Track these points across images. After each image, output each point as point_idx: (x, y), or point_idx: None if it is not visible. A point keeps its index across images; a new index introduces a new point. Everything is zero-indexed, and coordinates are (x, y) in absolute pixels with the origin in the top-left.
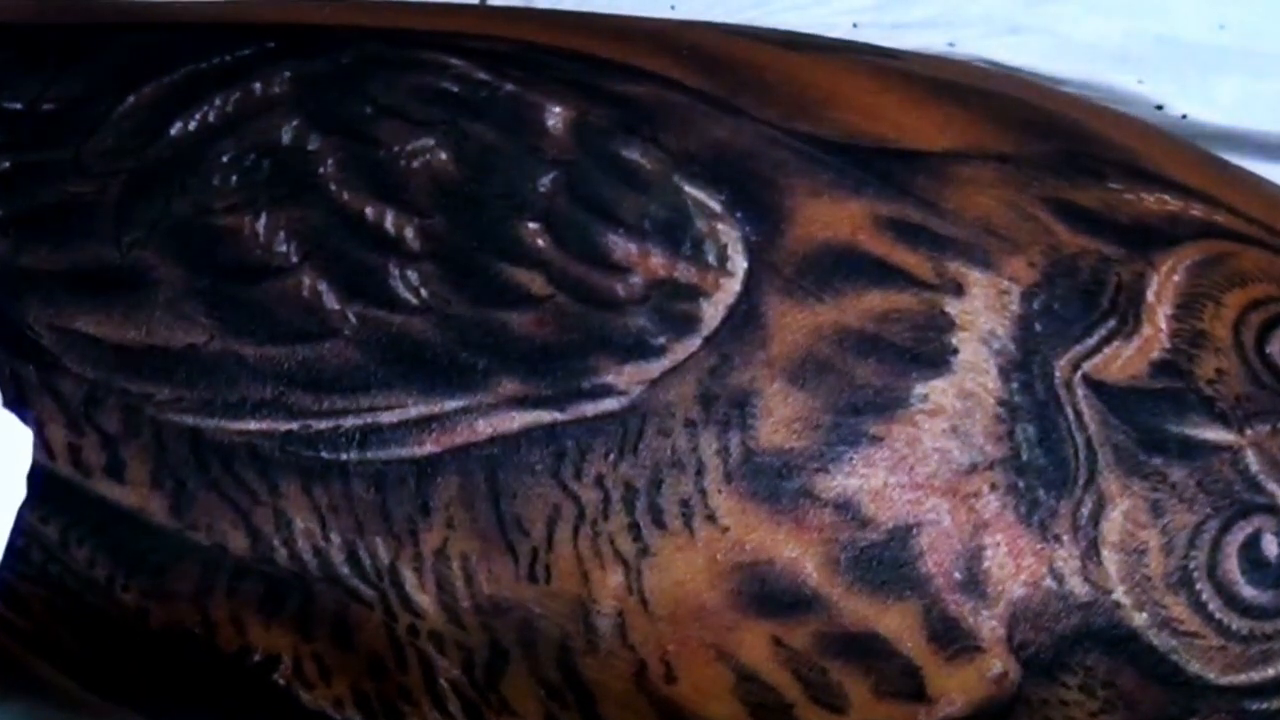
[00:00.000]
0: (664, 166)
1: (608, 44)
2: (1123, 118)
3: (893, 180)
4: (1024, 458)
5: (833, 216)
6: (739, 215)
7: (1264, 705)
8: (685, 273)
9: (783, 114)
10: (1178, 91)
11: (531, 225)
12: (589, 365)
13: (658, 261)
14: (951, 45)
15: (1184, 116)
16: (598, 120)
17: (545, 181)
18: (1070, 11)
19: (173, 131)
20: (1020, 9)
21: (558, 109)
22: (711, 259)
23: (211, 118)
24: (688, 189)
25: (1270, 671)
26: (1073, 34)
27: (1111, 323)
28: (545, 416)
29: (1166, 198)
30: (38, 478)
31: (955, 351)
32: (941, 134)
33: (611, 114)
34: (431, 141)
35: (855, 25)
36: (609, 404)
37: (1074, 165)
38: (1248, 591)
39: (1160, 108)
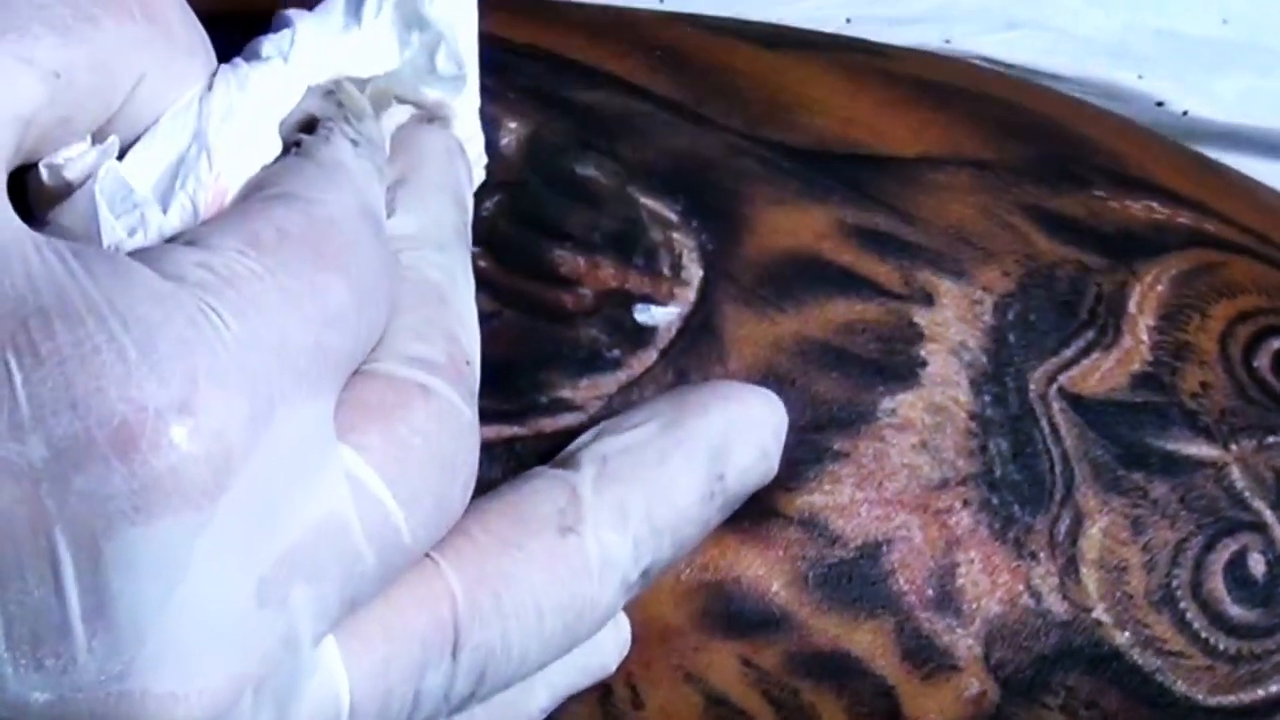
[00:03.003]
0: (619, 179)
1: (576, 42)
2: (1113, 120)
3: (861, 187)
4: (997, 473)
5: (795, 224)
6: (695, 224)
7: None
8: (637, 283)
9: (750, 120)
10: (1179, 88)
11: (472, 250)
12: (544, 379)
13: (607, 273)
14: (948, 42)
15: (1185, 113)
16: (552, 135)
17: (488, 205)
18: (1069, 6)
19: None
20: (1017, 4)
21: (513, 125)
22: (665, 268)
23: None
24: (643, 200)
25: (1260, 693)
26: (1071, 29)
27: (1090, 334)
28: (505, 430)
29: (1153, 205)
30: None
31: (924, 364)
32: (917, 139)
33: (568, 127)
34: None
35: (849, 20)
36: (568, 419)
37: (1057, 171)
38: (1234, 610)
39: (1161, 104)
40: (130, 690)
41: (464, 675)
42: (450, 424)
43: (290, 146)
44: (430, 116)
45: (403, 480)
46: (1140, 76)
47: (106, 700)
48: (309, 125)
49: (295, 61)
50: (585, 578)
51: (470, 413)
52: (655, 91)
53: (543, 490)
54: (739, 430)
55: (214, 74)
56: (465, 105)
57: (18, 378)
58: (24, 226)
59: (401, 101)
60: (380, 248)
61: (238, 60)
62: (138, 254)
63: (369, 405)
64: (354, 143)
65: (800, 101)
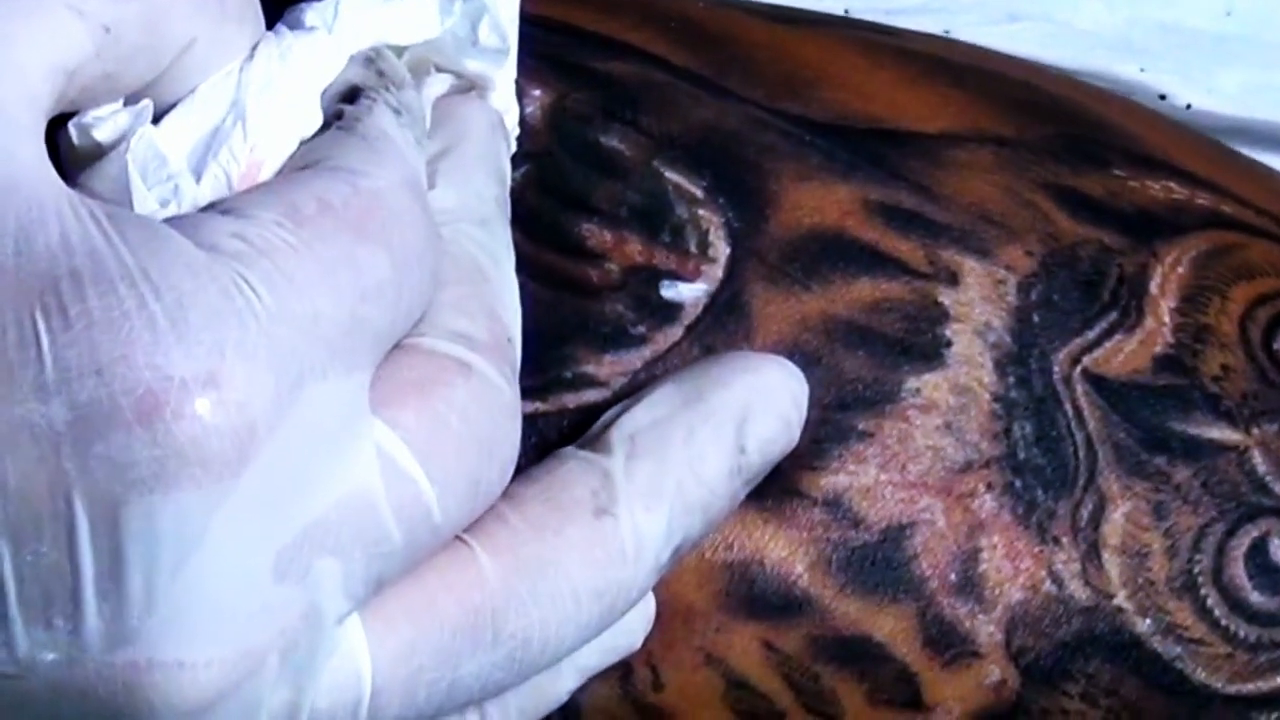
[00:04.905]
0: (644, 152)
1: (590, 14)
2: (1127, 103)
3: (885, 163)
4: (1021, 456)
5: (821, 201)
6: (721, 201)
7: (1273, 716)
8: (664, 259)
9: (770, 94)
10: (1182, 81)
11: None
12: (568, 354)
13: (634, 248)
14: (947, 33)
15: (1188, 106)
16: (577, 105)
17: (516, 176)
18: None
19: None
20: None
21: (537, 93)
22: (692, 245)
23: None
24: (668, 174)
25: (1279, 681)
26: (1073, 21)
27: (1113, 315)
28: (527, 406)
29: (1172, 185)
30: None
31: (949, 344)
32: (937, 115)
33: (592, 97)
34: None
35: (846, 11)
36: (591, 395)
37: (1076, 150)
38: (1255, 597)
39: (1164, 97)
40: (135, 658)
41: (501, 663)
42: (490, 403)
43: (331, 117)
44: (468, 87)
45: (436, 458)
46: (1142, 70)
47: (112, 665)
48: (350, 95)
49: (339, 32)
50: (621, 561)
51: (511, 392)
52: (674, 62)
53: (575, 473)
54: (760, 401)
55: (257, 43)
56: (504, 77)
57: (45, 339)
58: (62, 184)
59: (440, 71)
60: (426, 221)
61: (281, 28)
62: (172, 221)
63: (406, 380)
64: (396, 112)
65: (820, 76)
